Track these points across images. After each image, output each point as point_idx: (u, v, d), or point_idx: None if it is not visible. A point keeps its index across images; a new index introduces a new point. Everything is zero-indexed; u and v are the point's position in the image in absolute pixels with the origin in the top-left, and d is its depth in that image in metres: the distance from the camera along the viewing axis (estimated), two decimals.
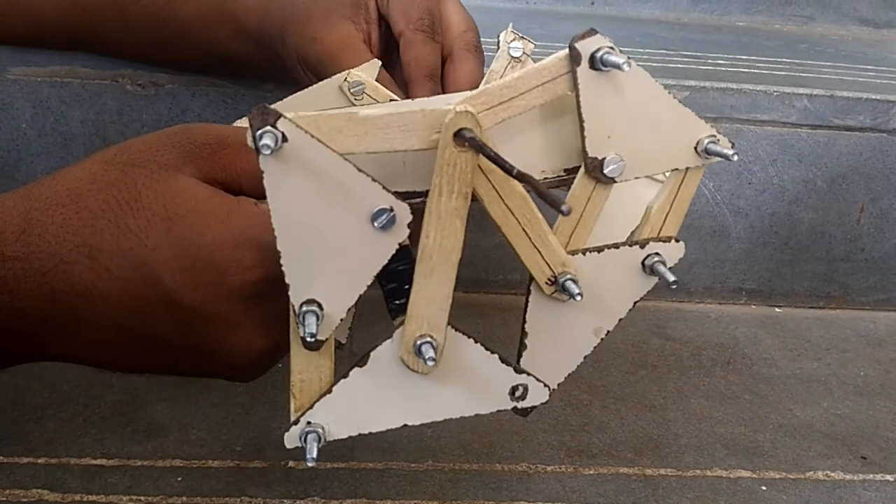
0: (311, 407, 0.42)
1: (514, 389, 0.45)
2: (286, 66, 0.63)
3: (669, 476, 0.62)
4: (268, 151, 0.36)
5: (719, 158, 0.45)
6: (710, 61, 0.97)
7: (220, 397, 0.66)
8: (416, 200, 0.42)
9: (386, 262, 0.40)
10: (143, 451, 0.60)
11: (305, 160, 0.37)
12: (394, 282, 0.42)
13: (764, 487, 0.62)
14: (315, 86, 0.59)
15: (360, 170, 0.38)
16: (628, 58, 0.41)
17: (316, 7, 0.62)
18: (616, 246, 0.45)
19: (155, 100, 0.77)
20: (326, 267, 0.39)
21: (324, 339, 0.40)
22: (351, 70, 0.58)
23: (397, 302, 0.42)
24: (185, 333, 0.43)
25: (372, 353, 0.42)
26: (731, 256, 0.89)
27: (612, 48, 0.41)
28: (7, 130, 0.77)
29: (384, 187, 0.38)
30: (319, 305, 0.39)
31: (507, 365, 0.44)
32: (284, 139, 0.36)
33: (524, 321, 0.46)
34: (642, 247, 0.46)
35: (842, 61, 1.07)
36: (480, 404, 0.44)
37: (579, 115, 0.42)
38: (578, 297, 0.43)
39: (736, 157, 0.44)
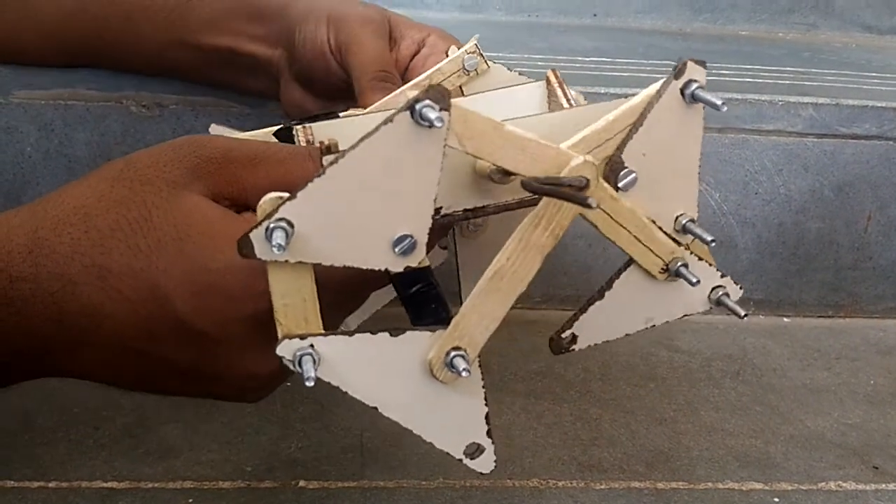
0: (324, 336, 0.40)
1: (472, 447, 0.45)
2: (290, 51, 0.65)
3: (681, 489, 0.62)
4: (419, 121, 0.36)
5: (693, 238, 0.47)
6: (714, 72, 0.97)
7: (230, 418, 0.65)
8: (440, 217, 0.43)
9: (373, 269, 0.40)
10: (153, 473, 0.60)
11: (424, 148, 0.38)
12: (419, 305, 0.42)
13: (777, 499, 0.62)
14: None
15: (435, 200, 0.39)
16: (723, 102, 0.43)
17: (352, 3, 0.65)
18: (710, 263, 0.48)
19: (159, 121, 0.77)
20: (337, 225, 0.38)
21: (288, 259, 0.39)
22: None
23: (428, 321, 0.43)
24: (194, 355, 0.43)
25: (409, 332, 0.42)
26: (739, 267, 0.89)
27: (704, 87, 0.43)
28: (12, 154, 0.78)
29: (432, 223, 0.39)
30: (293, 231, 0.38)
31: (487, 424, 0.45)
32: (433, 123, 0.36)
33: (612, 281, 0.48)
34: (722, 276, 0.49)
35: (846, 69, 1.07)
36: (441, 438, 0.45)
37: (640, 119, 0.44)
38: (696, 281, 0.46)
39: (713, 244, 0.47)
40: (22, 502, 0.56)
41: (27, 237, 0.42)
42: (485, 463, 0.46)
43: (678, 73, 0.43)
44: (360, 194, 0.38)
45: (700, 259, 0.48)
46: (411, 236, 0.39)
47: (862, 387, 0.79)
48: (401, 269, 0.40)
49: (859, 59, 1.20)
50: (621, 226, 0.45)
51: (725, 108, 0.42)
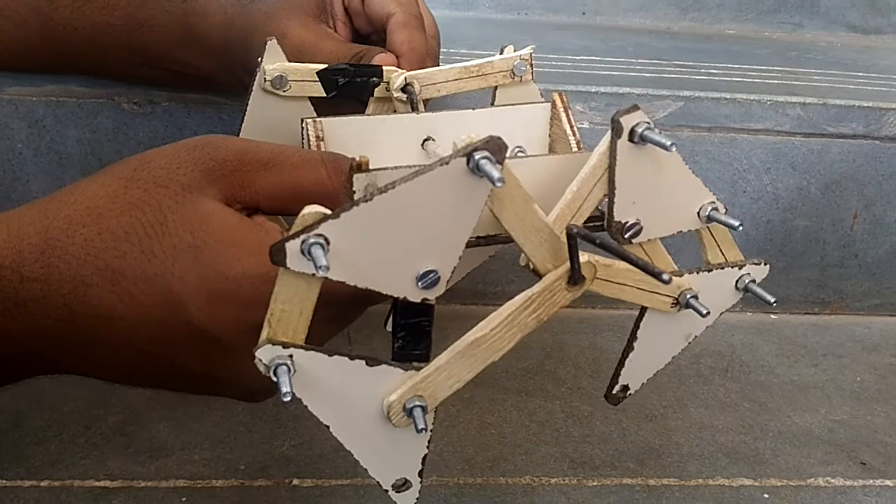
0: (305, 350, 0.40)
1: (401, 480, 0.46)
2: (251, 75, 0.64)
3: (673, 486, 0.63)
4: (474, 171, 0.37)
5: (719, 224, 0.49)
6: (703, 70, 0.97)
7: (223, 416, 0.66)
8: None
9: (395, 297, 0.40)
10: (146, 472, 0.60)
11: (471, 195, 0.38)
12: (411, 337, 0.43)
13: (766, 495, 0.62)
14: (249, 103, 0.60)
15: (467, 236, 0.39)
16: (672, 143, 0.43)
17: (279, 9, 0.63)
18: (721, 266, 0.50)
19: (151, 118, 0.77)
20: (369, 250, 0.38)
21: (326, 276, 0.38)
22: (265, 67, 0.58)
23: (412, 353, 0.43)
24: (205, 361, 0.43)
25: (384, 366, 0.42)
26: None
27: (650, 124, 0.44)
28: (2, 150, 0.77)
29: (456, 263, 0.40)
30: (328, 248, 0.38)
31: (423, 465, 0.45)
32: (493, 180, 0.36)
33: (635, 336, 0.50)
34: (740, 268, 0.51)
35: (833, 68, 1.07)
36: (377, 468, 0.45)
37: (611, 182, 0.46)
38: (707, 314, 0.48)
39: (741, 228, 0.48)
40: (14, 502, 0.56)
41: (38, 237, 0.42)
42: (408, 498, 0.46)
43: (617, 131, 0.44)
44: (399, 225, 0.38)
45: (716, 266, 0.50)
46: (436, 272, 0.39)
47: (848, 383, 0.80)
48: (417, 301, 0.40)
49: (845, 58, 1.20)
50: (622, 284, 0.46)
51: (675, 149, 0.43)
